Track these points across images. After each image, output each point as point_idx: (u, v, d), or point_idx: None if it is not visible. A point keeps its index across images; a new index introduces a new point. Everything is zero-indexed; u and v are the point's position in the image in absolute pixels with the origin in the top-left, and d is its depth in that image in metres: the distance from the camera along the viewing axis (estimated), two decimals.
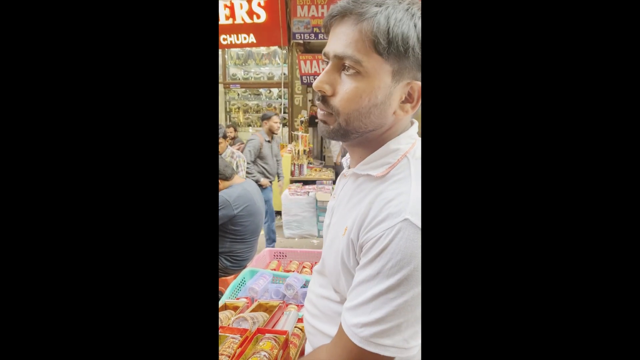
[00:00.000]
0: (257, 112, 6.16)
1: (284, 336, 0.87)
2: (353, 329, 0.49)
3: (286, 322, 1.06)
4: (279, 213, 4.22)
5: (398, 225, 0.46)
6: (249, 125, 6.19)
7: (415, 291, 0.46)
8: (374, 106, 0.50)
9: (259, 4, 4.54)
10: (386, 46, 0.46)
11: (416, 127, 0.57)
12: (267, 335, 0.88)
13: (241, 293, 1.44)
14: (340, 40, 0.49)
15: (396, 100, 0.51)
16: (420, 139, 0.56)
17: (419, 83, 0.50)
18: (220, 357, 0.80)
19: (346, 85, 0.50)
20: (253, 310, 1.09)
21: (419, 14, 0.48)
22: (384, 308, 0.47)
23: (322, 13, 4.41)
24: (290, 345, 0.92)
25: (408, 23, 0.47)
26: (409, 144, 0.54)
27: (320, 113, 0.54)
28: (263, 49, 5.61)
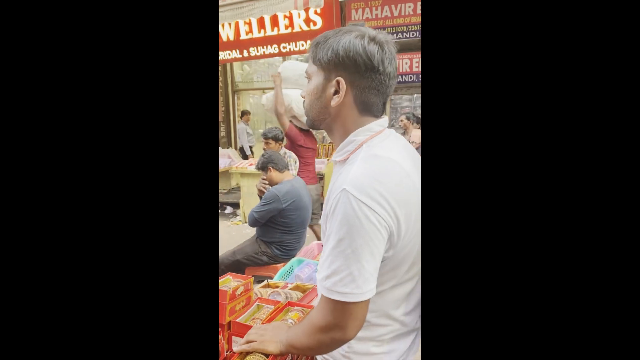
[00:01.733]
0: None
1: (310, 310, 0.98)
2: (321, 282, 0.65)
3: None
4: None
5: (339, 194, 0.63)
6: None
7: (357, 243, 0.61)
8: (316, 100, 0.72)
9: (315, 12, 4.74)
10: (314, 57, 0.70)
11: (383, 121, 0.72)
12: (296, 307, 1.00)
13: (288, 279, 1.58)
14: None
15: (329, 94, 0.70)
16: (386, 130, 0.72)
17: (340, 78, 0.68)
18: (254, 320, 0.93)
19: (307, 90, 0.74)
20: (290, 289, 1.21)
21: (348, 38, 0.66)
22: (337, 260, 0.62)
23: (376, 15, 4.47)
24: None
25: (332, 42, 0.67)
26: (366, 135, 0.70)
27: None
28: None
